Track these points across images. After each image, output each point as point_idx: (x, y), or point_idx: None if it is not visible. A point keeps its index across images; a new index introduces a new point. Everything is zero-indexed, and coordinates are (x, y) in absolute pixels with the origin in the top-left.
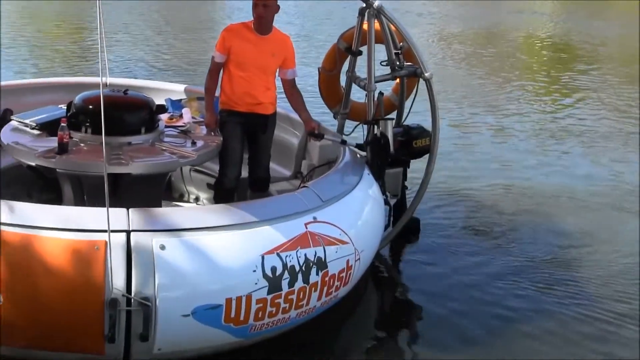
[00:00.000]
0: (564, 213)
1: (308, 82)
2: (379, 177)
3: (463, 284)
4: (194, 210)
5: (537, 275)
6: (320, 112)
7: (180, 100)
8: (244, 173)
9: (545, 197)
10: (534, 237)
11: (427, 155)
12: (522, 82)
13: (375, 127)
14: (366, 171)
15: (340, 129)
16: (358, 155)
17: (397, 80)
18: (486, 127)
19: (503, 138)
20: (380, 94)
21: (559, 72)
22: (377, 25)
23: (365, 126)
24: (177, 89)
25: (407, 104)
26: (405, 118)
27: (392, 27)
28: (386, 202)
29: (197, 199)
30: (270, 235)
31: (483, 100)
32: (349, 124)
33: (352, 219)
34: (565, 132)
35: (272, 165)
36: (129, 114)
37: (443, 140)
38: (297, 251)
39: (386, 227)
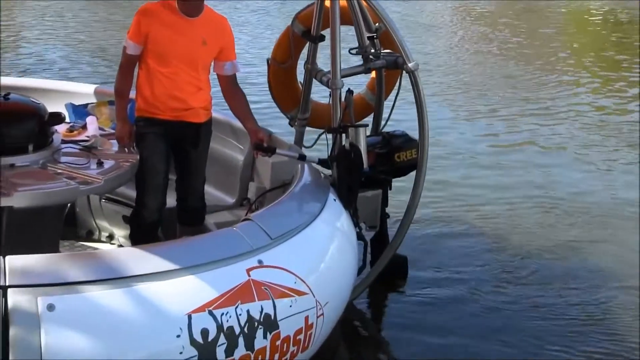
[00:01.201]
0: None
1: (256, 78)
2: (349, 203)
3: (467, 349)
4: (97, 256)
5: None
6: (272, 117)
7: (86, 105)
8: (171, 201)
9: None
10: (582, 281)
11: (414, 172)
12: (569, 72)
13: (344, 136)
14: (332, 196)
15: (299, 140)
16: (321, 175)
17: (373, 73)
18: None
19: (535, 144)
20: (349, 92)
21: (620, 56)
22: (343, 1)
23: (331, 135)
24: (82, 91)
25: (388, 104)
26: (385, 124)
27: (364, 4)
28: (360, 237)
29: (110, 237)
30: (200, 287)
31: (514, 94)
32: (310, 133)
33: (312, 262)
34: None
35: (209, 190)
36: (9, 126)
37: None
38: (236, 307)
39: (361, 270)
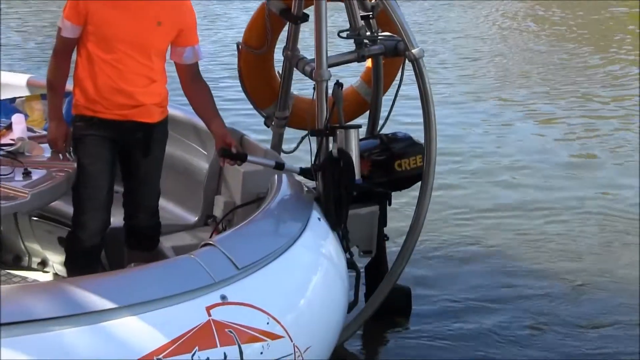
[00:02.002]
0: None
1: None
2: (337, 222)
3: None
4: (11, 293)
5: None
6: (244, 115)
7: (13, 99)
8: (117, 220)
9: None
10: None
11: (419, 184)
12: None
13: (331, 140)
14: (315, 214)
15: (277, 144)
16: (303, 188)
17: (369, 62)
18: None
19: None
20: (338, 85)
21: None
22: None
23: (315, 139)
24: (10, 81)
25: (387, 100)
26: (384, 124)
27: None
28: (351, 265)
29: (43, 264)
30: (147, 330)
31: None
32: (290, 135)
33: (290, 297)
34: None
35: (165, 206)
36: None
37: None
38: (193, 354)
39: (352, 306)
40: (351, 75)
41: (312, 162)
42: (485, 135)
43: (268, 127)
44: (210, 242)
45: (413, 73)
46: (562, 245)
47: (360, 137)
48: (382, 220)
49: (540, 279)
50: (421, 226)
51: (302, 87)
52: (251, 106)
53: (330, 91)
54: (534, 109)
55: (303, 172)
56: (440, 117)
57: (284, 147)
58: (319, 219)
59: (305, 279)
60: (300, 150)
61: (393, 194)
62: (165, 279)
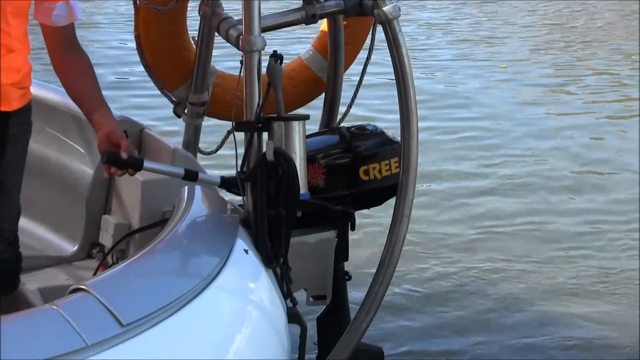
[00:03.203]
0: None
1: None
2: (274, 256)
3: None
4: None
5: None
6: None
7: None
8: None
9: None
10: None
11: (393, 200)
12: None
13: (266, 136)
14: (241, 243)
15: (191, 142)
16: (227, 206)
17: (324, 24)
18: None
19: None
20: (275, 57)
21: None
22: None
23: (244, 135)
24: None
25: (351, 80)
26: (346, 113)
27: None
28: (294, 317)
29: None
30: None
31: None
32: (211, 128)
33: None
34: None
35: (30, 230)
36: None
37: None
38: None
39: None
40: (297, 43)
41: (238, 169)
42: None
43: (179, 117)
44: (83, 286)
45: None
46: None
47: (310, 131)
48: (341, 251)
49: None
50: (396, 260)
51: (229, 59)
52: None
53: (263, 67)
54: None
55: (225, 183)
56: None
57: (202, 145)
58: (246, 250)
59: (223, 339)
60: (226, 150)
61: (358, 213)
62: (12, 341)
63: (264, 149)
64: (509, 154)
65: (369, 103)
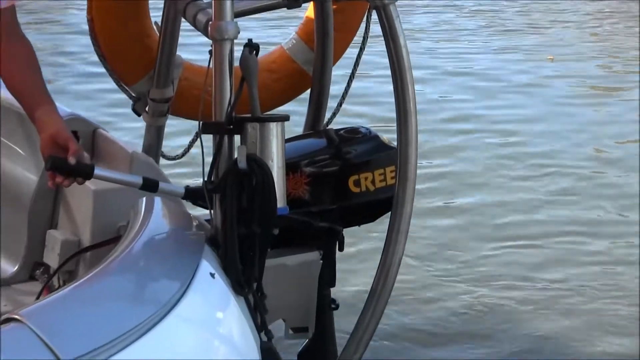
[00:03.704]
0: None
1: None
2: (246, 281)
3: None
4: None
5: None
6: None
7: None
8: None
9: None
10: None
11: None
12: None
13: (237, 140)
14: (207, 266)
15: (153, 144)
16: (193, 222)
17: (309, 9)
18: None
19: None
20: (250, 47)
21: None
22: None
23: (212, 138)
24: None
25: (340, 72)
26: (335, 113)
27: None
28: (269, 353)
29: None
30: None
31: None
32: (177, 127)
33: None
34: None
35: None
36: None
37: None
38: None
39: None
40: (277, 32)
41: (205, 178)
42: None
43: (139, 115)
44: (16, 315)
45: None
46: None
47: (293, 134)
48: (327, 276)
49: None
50: (390, 286)
51: (197, 50)
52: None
53: (236, 59)
54: None
55: (190, 194)
56: None
57: (166, 149)
58: (213, 274)
59: None
60: (194, 156)
61: (348, 231)
62: None
63: (236, 155)
64: (561, 164)
65: (362, 101)
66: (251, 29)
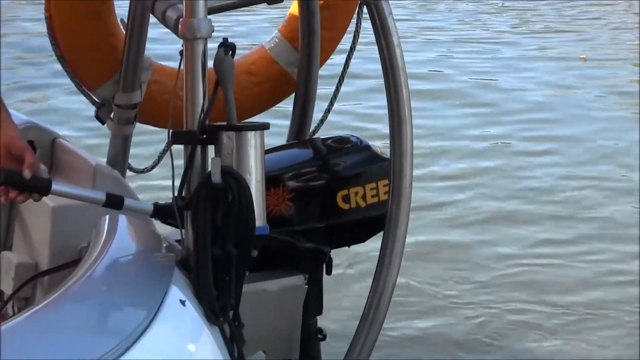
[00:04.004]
0: None
1: None
2: (220, 308)
3: None
4: None
5: None
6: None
7: None
8: None
9: None
10: None
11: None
12: None
13: (211, 151)
14: (176, 292)
15: (119, 154)
16: (163, 242)
17: (293, 5)
18: None
19: None
20: (225, 47)
21: None
22: None
23: (183, 149)
24: None
25: (329, 76)
26: (322, 120)
27: None
28: None
29: None
30: None
31: None
32: (147, 137)
33: None
34: None
35: None
36: None
37: None
38: None
39: None
40: (259, 31)
41: (175, 194)
42: None
43: (103, 123)
44: None
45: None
46: None
47: (275, 145)
48: (313, 302)
49: None
50: (383, 314)
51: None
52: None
53: (209, 61)
54: None
55: (159, 211)
56: None
57: (134, 160)
58: (183, 301)
59: None
60: (164, 168)
61: (337, 252)
62: None
63: (209, 168)
64: (607, 186)
65: (352, 108)
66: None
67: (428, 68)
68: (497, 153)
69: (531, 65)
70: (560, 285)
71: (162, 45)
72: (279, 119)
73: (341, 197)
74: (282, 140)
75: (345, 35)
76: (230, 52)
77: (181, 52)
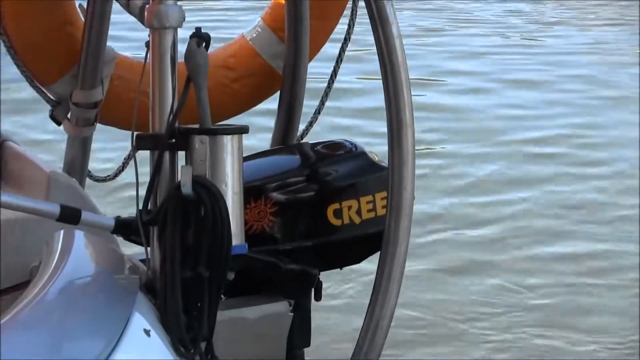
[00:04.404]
0: None
1: None
2: (191, 339)
3: None
4: None
5: None
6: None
7: None
8: None
9: None
10: None
11: (376, 256)
12: None
13: (182, 158)
14: (140, 320)
15: (77, 160)
16: (126, 263)
17: None
18: None
19: None
20: (198, 38)
21: None
22: None
23: (150, 155)
24: None
25: (321, 71)
26: (312, 122)
27: None
28: None
29: None
30: None
31: None
32: (108, 140)
33: None
34: None
35: None
36: None
37: None
38: None
39: None
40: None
41: (140, 207)
42: None
43: (59, 124)
44: None
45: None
46: None
47: (255, 150)
48: (300, 332)
49: None
50: (380, 345)
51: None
52: None
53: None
54: None
55: (121, 226)
56: None
57: (96, 165)
58: (148, 331)
59: None
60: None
61: (326, 274)
62: None
63: (179, 177)
64: None
65: (347, 109)
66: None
67: None
68: None
69: None
70: None
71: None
72: (261, 120)
73: (332, 211)
74: (264, 146)
75: (338, 25)
76: (204, 44)
77: (147, 44)
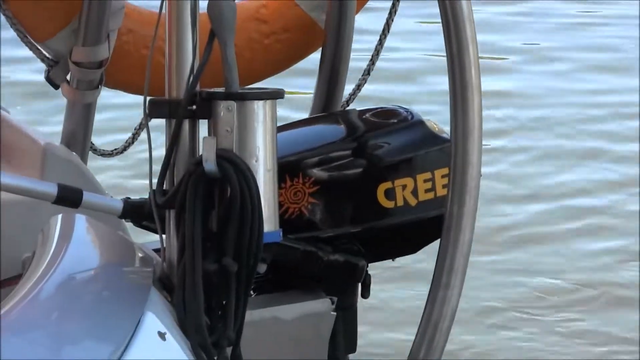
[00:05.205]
0: None
1: None
2: (214, 343)
3: None
4: None
5: None
6: None
7: None
8: None
9: None
10: None
11: (435, 244)
12: None
13: (202, 127)
14: (154, 320)
15: (78, 132)
16: (137, 252)
17: None
18: None
19: None
20: None
21: None
22: None
23: (165, 124)
24: None
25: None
26: (360, 86)
27: None
28: None
29: None
30: None
31: None
32: (116, 108)
33: None
34: None
35: None
36: None
37: None
38: None
39: None
40: None
41: (153, 187)
42: None
43: (56, 87)
44: None
45: None
46: None
47: (293, 119)
48: (345, 334)
49: None
50: (440, 350)
51: None
52: None
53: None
54: None
55: (131, 210)
56: None
57: (99, 139)
58: (163, 334)
59: None
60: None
61: (377, 266)
62: None
63: (201, 151)
64: None
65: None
66: None
67: None
68: None
69: None
70: None
71: None
72: (299, 82)
73: (384, 191)
74: (303, 114)
75: None
76: None
77: None
